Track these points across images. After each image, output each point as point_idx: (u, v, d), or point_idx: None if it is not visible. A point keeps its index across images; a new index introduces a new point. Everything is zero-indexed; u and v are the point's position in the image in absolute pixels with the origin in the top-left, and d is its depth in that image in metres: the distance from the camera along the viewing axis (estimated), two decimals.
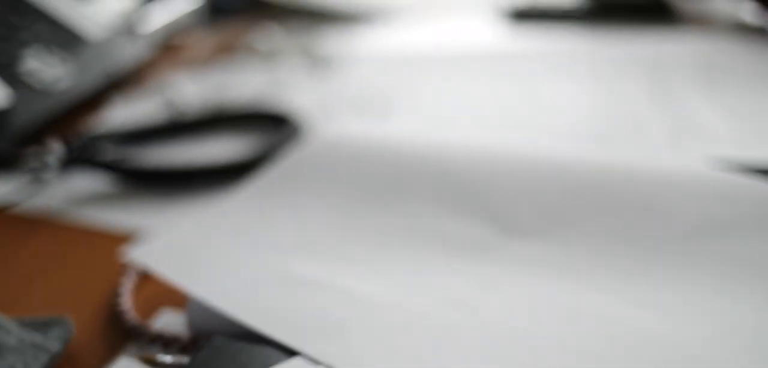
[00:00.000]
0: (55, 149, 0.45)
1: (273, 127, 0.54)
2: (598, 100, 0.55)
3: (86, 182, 0.46)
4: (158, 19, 0.75)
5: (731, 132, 0.48)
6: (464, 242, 0.33)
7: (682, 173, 0.36)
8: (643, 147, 0.46)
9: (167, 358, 0.27)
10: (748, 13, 0.72)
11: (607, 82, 0.58)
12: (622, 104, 0.54)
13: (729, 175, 0.36)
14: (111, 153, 0.48)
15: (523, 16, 0.77)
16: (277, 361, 0.25)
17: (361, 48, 0.73)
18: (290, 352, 0.26)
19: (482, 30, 0.76)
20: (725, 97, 0.54)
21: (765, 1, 0.67)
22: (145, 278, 0.35)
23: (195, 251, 0.33)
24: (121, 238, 0.39)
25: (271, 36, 0.75)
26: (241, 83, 0.66)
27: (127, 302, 0.32)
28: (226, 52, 0.75)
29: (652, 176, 0.36)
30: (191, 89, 0.64)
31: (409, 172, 0.37)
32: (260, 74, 0.68)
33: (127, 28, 0.71)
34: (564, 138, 0.48)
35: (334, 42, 0.74)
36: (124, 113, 0.60)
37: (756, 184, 0.35)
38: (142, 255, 0.33)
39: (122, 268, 0.35)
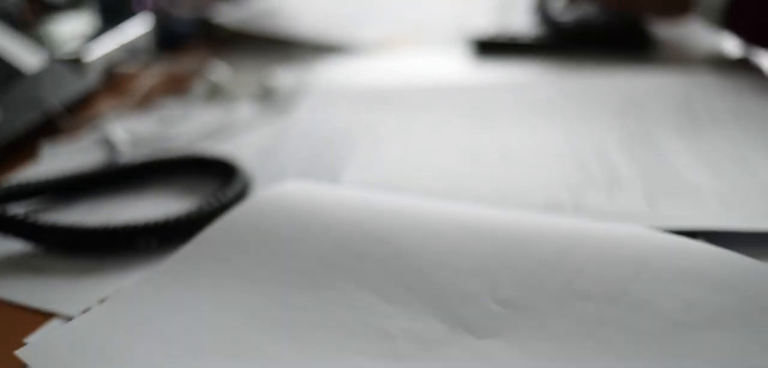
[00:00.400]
0: None
1: (218, 176, 0.49)
2: (567, 145, 0.51)
3: None
4: (103, 48, 0.69)
5: (714, 185, 0.44)
6: (409, 340, 0.28)
7: (661, 248, 0.32)
8: (619, 206, 0.41)
9: None
10: (729, 44, 0.68)
11: (579, 122, 0.54)
12: (593, 151, 0.50)
13: (712, 249, 0.32)
14: (26, 208, 0.43)
15: (488, 47, 0.72)
16: None
17: (320, 81, 0.68)
18: None
19: (446, 63, 0.72)
20: (707, 142, 0.50)
21: (746, 32, 0.63)
22: None
23: (92, 351, 0.28)
24: (27, 317, 0.34)
25: (224, 68, 0.70)
26: (190, 121, 0.61)
27: None
28: (175, 85, 0.70)
29: (629, 253, 0.31)
30: (134, 128, 0.59)
31: (352, 249, 0.33)
32: (210, 111, 0.63)
33: (69, 59, 0.66)
34: (530, 191, 0.44)
35: (292, 75, 0.69)
36: (55, 158, 0.55)
37: (742, 260, 0.31)
38: (29, 352, 0.28)
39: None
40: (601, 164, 0.48)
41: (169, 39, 0.81)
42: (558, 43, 0.71)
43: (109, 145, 0.56)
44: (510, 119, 0.56)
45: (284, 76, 0.70)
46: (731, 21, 0.63)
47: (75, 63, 0.66)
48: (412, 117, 0.58)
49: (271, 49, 0.78)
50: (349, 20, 0.86)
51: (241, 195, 0.46)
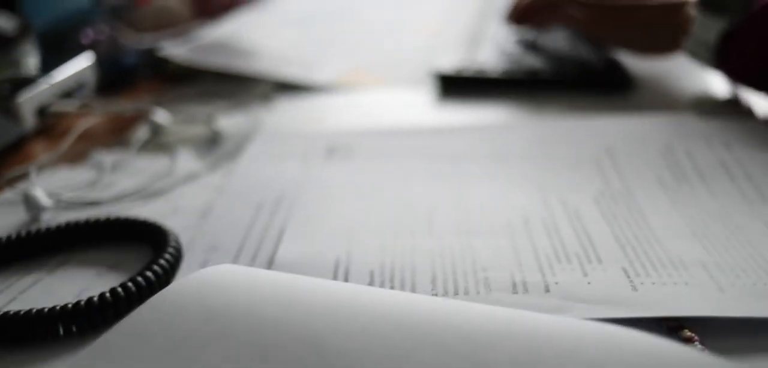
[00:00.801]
0: None
1: (149, 244, 0.44)
2: (538, 204, 0.46)
3: None
4: (39, 88, 0.63)
5: (701, 257, 0.39)
6: None
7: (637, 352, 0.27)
8: (597, 286, 0.36)
9: None
10: (715, 84, 0.63)
11: (551, 175, 0.49)
12: (566, 212, 0.44)
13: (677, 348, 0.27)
14: None
15: (455, 83, 0.67)
16: None
17: (272, 123, 0.63)
18: None
19: (410, 101, 0.67)
20: (694, 200, 0.45)
21: (739, 72, 0.58)
22: None
23: None
24: None
25: (166, 113, 0.64)
26: (127, 173, 0.55)
27: None
28: (115, 129, 0.65)
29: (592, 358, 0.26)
30: (63, 182, 0.53)
31: (272, 357, 0.27)
32: (150, 161, 0.57)
33: None
34: (493, 270, 0.39)
35: (243, 116, 0.64)
36: None
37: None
38: None
39: None
40: (576, 229, 0.42)
41: (115, 76, 0.76)
42: (531, 80, 0.66)
43: (30, 203, 0.50)
44: (474, 171, 0.51)
45: (234, 118, 0.64)
46: (722, 60, 0.58)
47: (4, 104, 0.61)
48: (366, 168, 0.52)
49: (223, 85, 0.72)
50: (308, 54, 0.80)
51: (170, 271, 0.41)
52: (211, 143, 0.60)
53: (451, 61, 0.69)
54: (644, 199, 0.46)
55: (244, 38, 0.84)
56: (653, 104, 0.61)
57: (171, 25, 0.89)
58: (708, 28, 0.58)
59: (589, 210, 0.45)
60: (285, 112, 0.66)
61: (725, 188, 0.46)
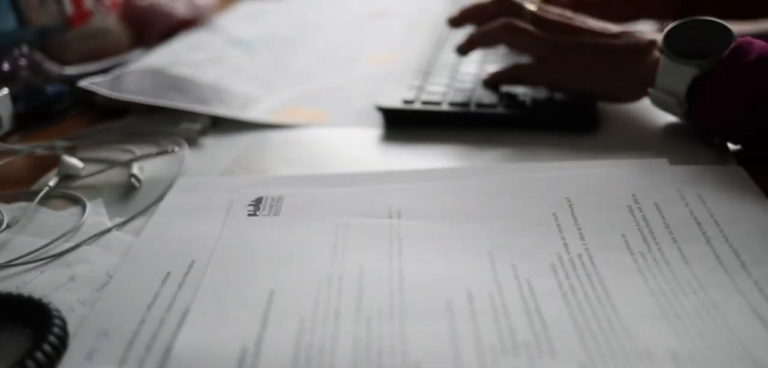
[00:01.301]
0: None
1: (33, 325, 0.38)
2: (482, 275, 0.40)
3: None
4: None
5: (672, 346, 0.33)
6: None
7: None
8: None
9: None
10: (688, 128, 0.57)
11: (499, 236, 0.44)
12: (516, 286, 0.38)
13: None
14: None
15: (400, 119, 0.61)
16: None
17: (200, 167, 0.57)
18: None
19: (352, 138, 0.60)
20: (664, 269, 0.39)
21: (708, 121, 0.53)
22: None
23: None
24: None
25: (85, 156, 0.57)
26: (26, 231, 0.49)
27: None
28: (24, 177, 0.58)
29: None
30: None
31: None
32: (54, 216, 0.51)
33: None
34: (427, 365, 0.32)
35: (167, 162, 0.57)
36: None
37: None
38: None
39: None
40: (528, 309, 0.36)
41: (39, 110, 0.69)
42: (487, 118, 0.59)
43: None
44: (415, 230, 0.45)
45: (157, 161, 0.57)
46: (693, 109, 0.53)
47: None
48: (293, 226, 0.46)
49: (152, 121, 0.65)
50: (248, 85, 0.74)
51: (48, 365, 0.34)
52: (128, 191, 0.53)
53: (399, 94, 0.63)
54: (608, 267, 0.40)
55: (182, 66, 0.77)
56: (622, 146, 0.55)
57: (108, 49, 0.82)
58: (676, 75, 0.53)
59: (545, 283, 0.39)
60: (214, 154, 0.59)
61: (700, 252, 0.41)
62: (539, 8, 0.62)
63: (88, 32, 0.86)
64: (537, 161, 0.54)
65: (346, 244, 0.43)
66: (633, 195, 0.47)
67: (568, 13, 0.62)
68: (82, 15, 0.85)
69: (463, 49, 0.65)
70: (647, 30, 0.58)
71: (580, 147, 0.55)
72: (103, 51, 0.81)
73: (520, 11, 0.62)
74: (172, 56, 0.81)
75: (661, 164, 0.51)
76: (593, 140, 0.57)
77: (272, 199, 0.50)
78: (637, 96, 0.59)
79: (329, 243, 0.43)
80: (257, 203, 0.49)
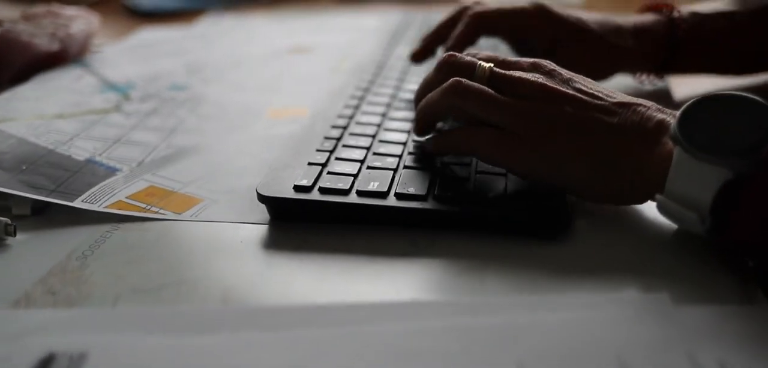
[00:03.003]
0: None
1: None
2: None
3: None
4: None
5: None
6: None
7: None
8: None
9: None
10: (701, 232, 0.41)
11: None
12: None
13: None
14: None
15: (290, 214, 0.44)
16: None
17: None
18: None
19: (221, 242, 0.43)
20: None
21: (744, 238, 0.36)
22: None
23: None
24: None
25: None
26: None
27: None
28: None
29: None
30: None
31: None
32: None
33: None
34: None
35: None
36: None
37: None
38: None
39: None
40: None
41: None
42: (411, 216, 0.42)
43: None
44: None
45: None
46: (723, 223, 0.36)
47: None
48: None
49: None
50: (97, 155, 0.55)
51: None
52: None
53: (292, 175, 0.45)
54: None
55: (19, 121, 0.58)
56: (600, 265, 0.39)
57: None
58: (698, 177, 0.36)
59: None
60: (21, 261, 0.41)
61: None
62: (502, 62, 0.46)
63: None
64: (477, 292, 0.36)
65: None
66: (616, 358, 0.30)
67: (545, 63, 0.45)
68: None
69: (417, 131, 0.49)
70: (649, 104, 0.42)
71: (541, 264, 0.39)
72: None
73: (472, 70, 0.46)
74: (14, 104, 0.62)
75: (660, 303, 0.35)
76: (559, 252, 0.40)
77: (70, 359, 0.32)
78: (635, 200, 0.42)
79: None
80: (45, 365, 0.32)
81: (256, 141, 0.58)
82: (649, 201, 0.40)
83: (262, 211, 0.45)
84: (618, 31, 0.60)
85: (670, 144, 0.38)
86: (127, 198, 0.48)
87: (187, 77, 0.74)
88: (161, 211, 0.46)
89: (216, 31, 0.93)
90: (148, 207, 0.46)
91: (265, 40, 0.89)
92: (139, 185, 0.49)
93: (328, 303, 0.36)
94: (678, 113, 0.38)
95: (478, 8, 0.60)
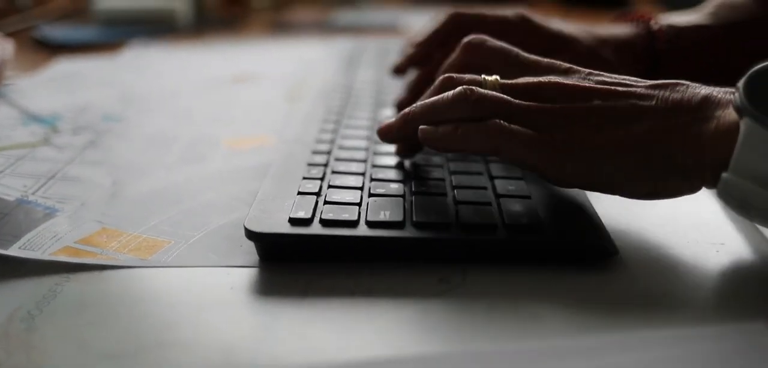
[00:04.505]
0: None
1: None
2: None
3: None
4: None
5: None
6: None
7: None
8: None
9: None
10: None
11: None
12: None
13: None
14: None
15: (287, 253, 0.37)
16: None
17: None
18: None
19: (198, 291, 0.35)
20: None
21: None
22: None
23: None
24: None
25: None
26: None
27: None
28: None
29: None
30: None
31: None
32: None
33: None
34: None
35: None
36: None
37: None
38: None
39: None
40: None
41: None
42: (433, 248, 0.36)
43: None
44: None
45: None
46: None
47: None
48: None
49: None
50: (39, 192, 0.46)
51: None
52: None
53: (283, 208, 0.38)
54: None
55: None
56: (665, 289, 0.33)
57: None
58: None
59: None
60: None
61: None
62: (516, 61, 0.41)
63: None
64: (539, 334, 0.30)
65: None
66: None
67: (559, 64, 0.41)
68: None
69: (400, 155, 0.43)
70: (684, 82, 0.37)
71: (597, 296, 0.33)
72: None
73: (480, 82, 0.40)
74: None
75: (758, 334, 0.29)
76: (611, 280, 0.35)
77: None
78: (691, 188, 0.36)
79: None
80: None
81: (217, 174, 0.50)
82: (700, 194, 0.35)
83: (247, 252, 0.37)
84: (601, 43, 0.56)
85: (727, 118, 0.33)
86: (76, 242, 0.39)
87: (122, 108, 0.65)
88: (122, 257, 0.38)
89: (145, 61, 0.84)
90: (104, 252, 0.38)
91: (202, 69, 0.81)
92: (89, 227, 0.41)
93: (363, 360, 0.29)
94: (741, 83, 0.34)
95: (461, 15, 0.56)
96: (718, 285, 0.35)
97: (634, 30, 0.58)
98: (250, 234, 0.36)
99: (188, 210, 0.43)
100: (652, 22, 0.58)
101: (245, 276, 0.36)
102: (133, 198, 0.45)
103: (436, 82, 0.42)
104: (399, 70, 0.57)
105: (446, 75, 0.42)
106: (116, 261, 0.37)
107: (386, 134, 0.43)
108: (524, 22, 0.55)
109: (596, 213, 0.38)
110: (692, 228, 0.39)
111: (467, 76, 0.41)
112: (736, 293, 0.34)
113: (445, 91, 0.40)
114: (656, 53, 0.57)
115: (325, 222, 0.36)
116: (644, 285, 0.34)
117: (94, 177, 0.48)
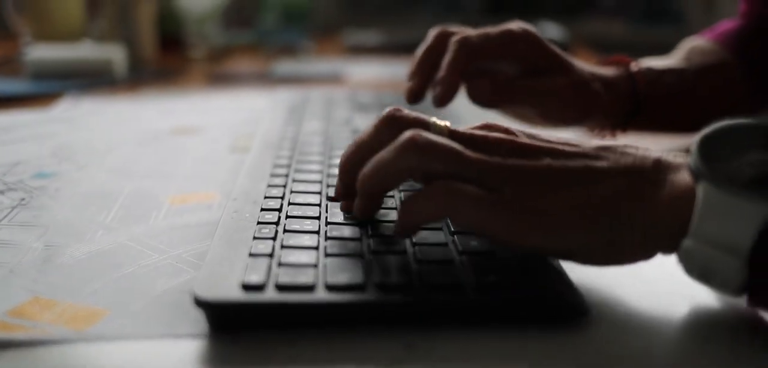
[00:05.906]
0: None
1: None
2: None
3: None
4: None
5: None
6: None
7: None
8: None
9: None
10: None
11: None
12: None
13: None
14: None
15: (239, 322, 0.34)
16: None
17: None
18: None
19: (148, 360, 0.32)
20: None
21: None
22: None
23: None
24: None
25: None
26: None
27: None
28: None
29: None
30: None
31: None
32: None
33: None
34: None
35: None
36: None
37: None
38: None
39: None
40: None
41: None
42: (398, 311, 0.34)
43: None
44: None
45: None
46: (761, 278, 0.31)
47: None
48: None
49: None
50: None
51: None
52: None
53: (235, 272, 0.35)
54: None
55: None
56: (641, 350, 0.32)
57: None
58: (734, 216, 0.31)
59: None
60: None
61: None
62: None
63: None
64: None
65: None
66: None
67: (495, 123, 0.39)
68: None
69: (361, 209, 0.41)
70: (628, 144, 0.37)
71: (574, 357, 0.32)
72: None
73: (426, 127, 0.38)
74: None
75: None
76: (584, 339, 0.33)
77: None
78: (648, 253, 0.35)
79: None
80: None
81: (161, 233, 0.47)
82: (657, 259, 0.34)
83: (194, 320, 0.35)
84: (593, 76, 0.57)
85: (681, 182, 0.33)
86: (5, 314, 0.35)
87: (56, 164, 0.61)
88: (56, 329, 0.34)
89: (80, 114, 0.81)
90: (36, 325, 0.35)
91: (140, 122, 0.78)
92: (19, 297, 0.37)
93: None
94: (694, 146, 0.33)
95: (464, 32, 0.55)
96: (691, 340, 0.34)
97: (617, 71, 0.59)
98: (200, 303, 0.33)
99: (130, 275, 0.40)
100: (632, 65, 0.60)
101: (193, 348, 0.33)
102: (68, 262, 0.42)
103: (381, 116, 0.40)
104: (417, 95, 0.56)
105: (394, 108, 0.40)
106: (50, 336, 0.34)
107: (336, 198, 0.42)
108: (527, 35, 0.55)
109: (564, 269, 0.37)
110: (662, 280, 0.38)
111: (412, 116, 0.39)
112: (711, 348, 0.33)
113: (392, 124, 0.38)
114: (638, 96, 0.58)
115: (280, 288, 0.34)
116: (617, 347, 0.33)
117: (25, 240, 0.45)
